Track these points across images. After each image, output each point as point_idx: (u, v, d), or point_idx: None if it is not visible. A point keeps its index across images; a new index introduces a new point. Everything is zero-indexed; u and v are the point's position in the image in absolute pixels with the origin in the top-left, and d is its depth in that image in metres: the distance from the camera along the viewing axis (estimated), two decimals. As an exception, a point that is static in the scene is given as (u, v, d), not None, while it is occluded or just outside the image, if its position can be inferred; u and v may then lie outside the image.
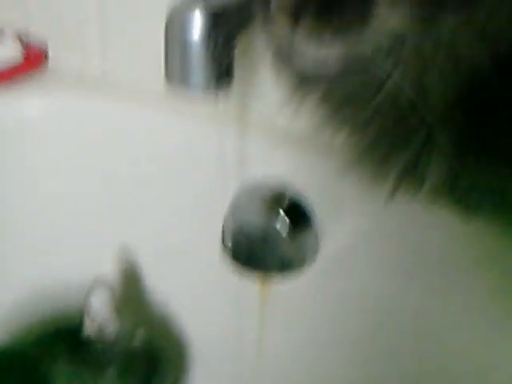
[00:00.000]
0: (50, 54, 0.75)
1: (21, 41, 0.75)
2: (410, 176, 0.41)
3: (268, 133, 0.62)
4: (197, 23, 0.46)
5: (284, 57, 0.41)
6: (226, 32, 0.45)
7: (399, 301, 0.57)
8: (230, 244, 0.63)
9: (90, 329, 0.56)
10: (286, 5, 0.35)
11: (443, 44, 0.35)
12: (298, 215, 0.60)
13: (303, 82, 0.42)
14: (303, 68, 0.39)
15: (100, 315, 0.57)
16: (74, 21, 0.72)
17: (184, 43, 0.47)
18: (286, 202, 0.60)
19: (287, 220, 0.59)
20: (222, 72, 0.47)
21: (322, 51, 0.36)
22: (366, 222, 0.59)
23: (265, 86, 0.59)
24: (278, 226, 0.60)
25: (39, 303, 0.71)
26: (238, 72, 0.50)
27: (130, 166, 0.69)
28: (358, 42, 0.35)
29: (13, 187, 0.72)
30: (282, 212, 0.59)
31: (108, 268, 0.69)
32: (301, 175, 0.60)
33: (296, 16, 0.34)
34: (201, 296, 0.70)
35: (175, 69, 0.48)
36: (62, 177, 0.72)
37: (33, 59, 0.74)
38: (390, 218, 0.57)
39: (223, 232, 0.63)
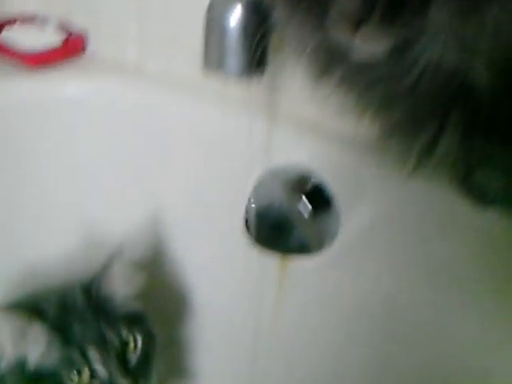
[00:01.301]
0: (90, 41, 0.80)
1: (62, 28, 0.79)
2: (431, 154, 0.43)
3: (295, 120, 0.65)
4: (236, 11, 0.49)
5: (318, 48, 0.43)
6: (262, 21, 0.49)
7: (417, 283, 0.60)
8: (252, 224, 0.67)
9: (106, 288, 0.59)
10: (349, 13, 0.36)
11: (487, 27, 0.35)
12: (320, 198, 0.63)
13: (332, 66, 0.44)
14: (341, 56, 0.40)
15: (117, 278, 0.60)
16: (113, 10, 0.76)
17: (222, 30, 0.50)
18: (309, 186, 0.63)
19: (309, 202, 0.63)
20: (257, 59, 0.50)
21: (373, 46, 0.37)
22: (386, 207, 0.61)
23: (294, 74, 0.62)
24: (300, 208, 0.63)
25: (68, 263, 0.76)
26: (270, 60, 0.54)
27: (162, 147, 0.73)
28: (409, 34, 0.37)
29: (53, 159, 0.77)
30: (304, 194, 0.63)
31: (136, 230, 0.74)
32: (324, 161, 0.63)
33: (358, 23, 0.36)
34: (220, 269, 0.74)
35: (213, 54, 0.51)
36: (98, 150, 0.77)
37: (73, 46, 0.78)
38: (409, 204, 0.60)
39: (246, 212, 0.67)
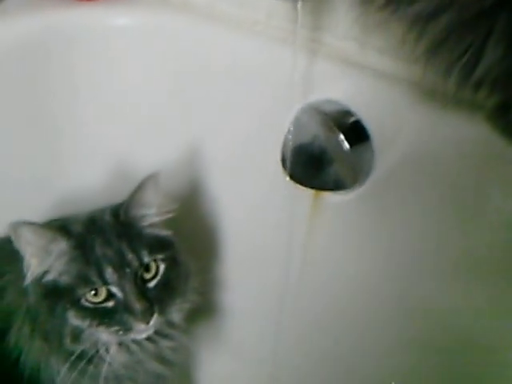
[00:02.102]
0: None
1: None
2: (474, 70, 0.42)
3: (337, 55, 0.65)
4: None
5: None
6: None
7: (449, 221, 0.61)
8: (288, 159, 0.68)
9: (135, 211, 0.59)
10: None
11: None
12: (358, 135, 0.64)
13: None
14: None
15: (148, 202, 0.59)
16: None
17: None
18: (347, 122, 0.64)
19: (346, 139, 0.63)
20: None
21: None
22: (421, 146, 0.61)
23: (338, 9, 0.62)
24: (338, 143, 0.64)
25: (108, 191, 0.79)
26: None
27: (204, 80, 0.74)
28: None
29: (94, 89, 0.79)
30: (342, 131, 0.63)
31: (172, 164, 0.76)
32: (363, 97, 0.64)
33: None
34: (254, 205, 0.75)
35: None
36: (140, 82, 0.78)
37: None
38: (443, 144, 0.60)
39: (283, 147, 0.68)
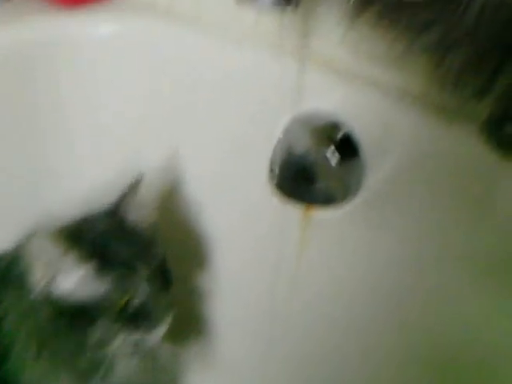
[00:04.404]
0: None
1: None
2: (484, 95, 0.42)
3: (326, 67, 0.64)
4: None
5: None
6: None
7: (441, 235, 0.59)
8: (276, 172, 0.66)
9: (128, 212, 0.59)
10: None
11: None
12: (348, 148, 0.62)
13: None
14: None
15: (140, 206, 0.60)
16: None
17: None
18: (337, 135, 0.62)
19: (337, 150, 0.62)
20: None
21: None
22: (412, 158, 0.60)
23: (327, 18, 0.61)
24: (327, 157, 0.62)
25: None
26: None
27: (190, 88, 0.72)
28: None
29: (79, 98, 0.77)
30: (332, 142, 0.62)
31: (158, 171, 0.74)
32: (354, 108, 0.62)
33: None
34: (242, 217, 0.74)
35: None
36: (124, 90, 0.76)
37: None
38: (435, 156, 0.59)
39: (272, 159, 0.66)
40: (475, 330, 0.58)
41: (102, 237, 0.56)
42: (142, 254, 0.56)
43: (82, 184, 0.78)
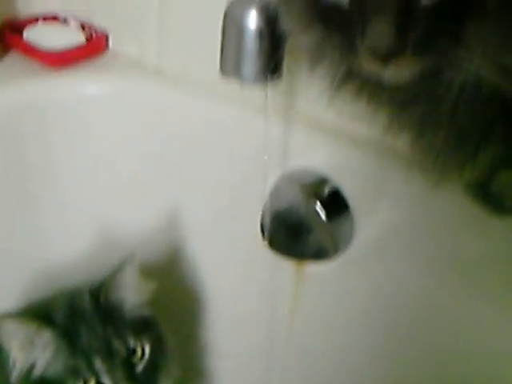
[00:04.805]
0: (111, 42, 0.80)
1: (83, 29, 0.80)
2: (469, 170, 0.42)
3: (312, 125, 0.65)
4: (252, 19, 0.49)
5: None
6: (277, 27, 0.49)
7: (428, 291, 0.60)
8: (267, 229, 0.67)
9: (115, 294, 0.59)
10: (380, 49, 0.35)
11: None
12: (336, 203, 0.63)
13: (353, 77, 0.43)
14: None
15: (127, 284, 0.59)
16: (134, 12, 0.76)
17: (239, 37, 0.50)
18: (325, 190, 0.63)
19: (325, 207, 0.62)
20: (273, 65, 0.50)
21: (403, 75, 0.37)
22: (401, 212, 0.61)
23: (312, 80, 0.62)
24: (316, 213, 0.63)
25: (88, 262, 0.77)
26: (286, 66, 0.54)
27: (179, 148, 0.73)
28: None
29: (71, 158, 0.78)
30: (319, 200, 0.62)
31: (152, 232, 0.75)
32: (341, 165, 0.63)
33: (389, 58, 0.35)
34: (235, 274, 0.74)
35: (229, 61, 0.51)
36: (116, 150, 0.77)
37: (94, 46, 0.79)
38: (424, 210, 0.59)
39: (262, 216, 0.67)
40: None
41: (79, 316, 0.57)
42: (120, 334, 0.56)
43: (75, 246, 0.79)
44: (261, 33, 0.50)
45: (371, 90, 0.44)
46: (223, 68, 0.52)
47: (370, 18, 0.35)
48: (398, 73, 0.36)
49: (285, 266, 0.68)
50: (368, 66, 0.37)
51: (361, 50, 0.36)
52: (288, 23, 0.44)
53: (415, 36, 0.34)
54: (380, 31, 0.34)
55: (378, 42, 0.35)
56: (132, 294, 0.60)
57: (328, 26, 0.39)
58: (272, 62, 0.50)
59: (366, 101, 0.45)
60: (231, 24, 0.51)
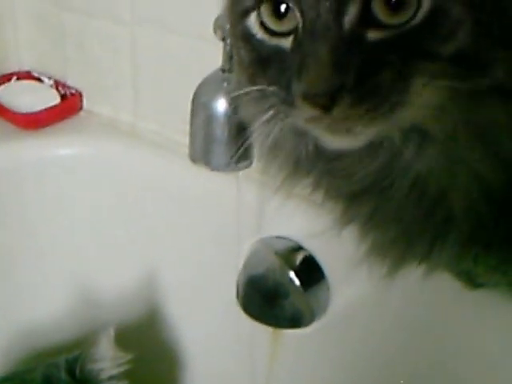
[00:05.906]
0: (85, 103, 0.80)
1: (58, 89, 0.80)
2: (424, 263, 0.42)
3: (286, 196, 0.65)
4: (220, 108, 0.49)
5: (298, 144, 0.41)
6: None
7: (407, 357, 0.60)
8: (242, 298, 0.66)
9: (90, 366, 0.59)
10: (316, 95, 0.30)
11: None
12: (310, 271, 0.63)
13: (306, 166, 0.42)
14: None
15: (103, 357, 0.59)
16: (108, 74, 0.76)
17: (207, 124, 0.50)
18: (299, 259, 0.63)
19: (299, 276, 0.62)
20: (242, 153, 0.50)
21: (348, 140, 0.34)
22: (376, 284, 0.61)
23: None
24: (290, 282, 0.63)
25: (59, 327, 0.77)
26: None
27: (155, 210, 0.73)
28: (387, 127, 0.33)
29: (48, 219, 0.78)
30: (293, 269, 0.62)
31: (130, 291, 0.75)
32: (315, 235, 0.63)
33: (326, 102, 0.30)
34: (212, 338, 0.74)
35: (198, 148, 0.51)
36: (92, 211, 0.77)
37: (68, 106, 0.79)
38: (400, 284, 0.59)
39: (237, 286, 0.67)
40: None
41: None
42: None
43: (53, 305, 0.78)
44: (229, 119, 0.50)
45: (324, 185, 0.43)
46: (192, 155, 0.52)
47: (306, 59, 0.31)
48: (341, 125, 0.32)
49: (262, 328, 0.68)
50: (307, 115, 0.32)
51: (297, 97, 0.31)
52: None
53: (357, 74, 0.30)
54: (317, 71, 0.30)
55: (315, 82, 0.30)
56: (108, 366, 0.60)
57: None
58: (242, 149, 0.50)
59: (324, 191, 0.45)
60: (199, 109, 0.51)
